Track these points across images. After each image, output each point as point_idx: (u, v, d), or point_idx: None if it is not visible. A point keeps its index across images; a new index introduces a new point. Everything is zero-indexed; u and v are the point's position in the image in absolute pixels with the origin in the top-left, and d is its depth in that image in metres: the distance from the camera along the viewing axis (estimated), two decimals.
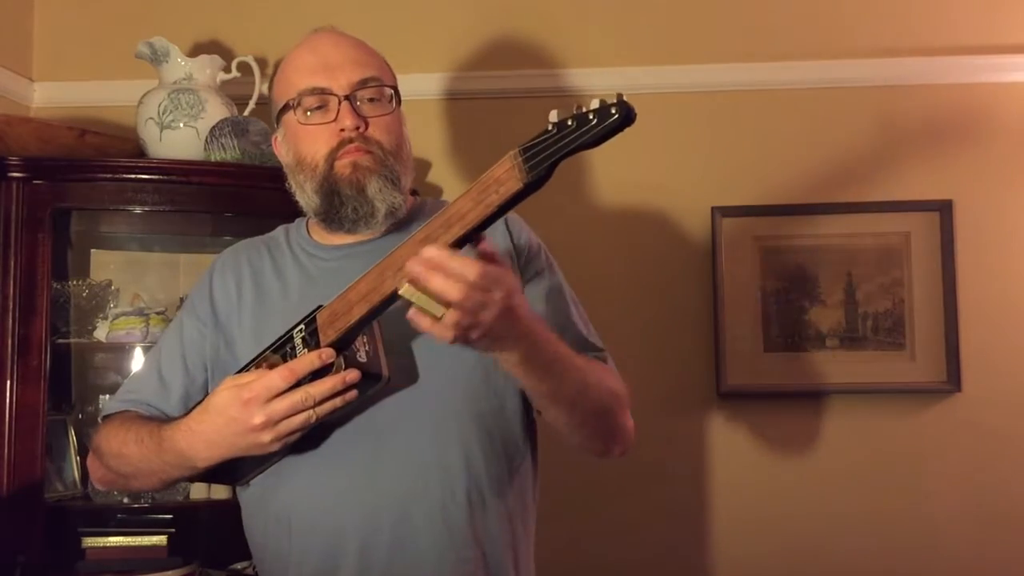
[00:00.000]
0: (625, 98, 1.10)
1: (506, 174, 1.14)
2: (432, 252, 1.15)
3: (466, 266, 1.14)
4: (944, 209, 2.48)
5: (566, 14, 2.60)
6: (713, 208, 2.52)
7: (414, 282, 1.15)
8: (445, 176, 2.55)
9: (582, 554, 2.46)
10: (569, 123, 1.11)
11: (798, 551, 2.47)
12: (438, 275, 1.14)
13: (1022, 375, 2.47)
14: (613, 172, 2.53)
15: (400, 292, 1.17)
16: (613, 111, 1.09)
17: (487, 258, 1.18)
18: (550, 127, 1.12)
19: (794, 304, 2.51)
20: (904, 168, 2.52)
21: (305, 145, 1.47)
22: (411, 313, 1.17)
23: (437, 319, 1.15)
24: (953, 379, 2.46)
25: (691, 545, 2.51)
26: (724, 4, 2.59)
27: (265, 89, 2.46)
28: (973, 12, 2.54)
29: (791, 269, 2.52)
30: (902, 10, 2.56)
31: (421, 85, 2.47)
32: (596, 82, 2.54)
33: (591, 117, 1.10)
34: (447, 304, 1.14)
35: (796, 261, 2.52)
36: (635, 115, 1.09)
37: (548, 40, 2.59)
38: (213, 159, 2.26)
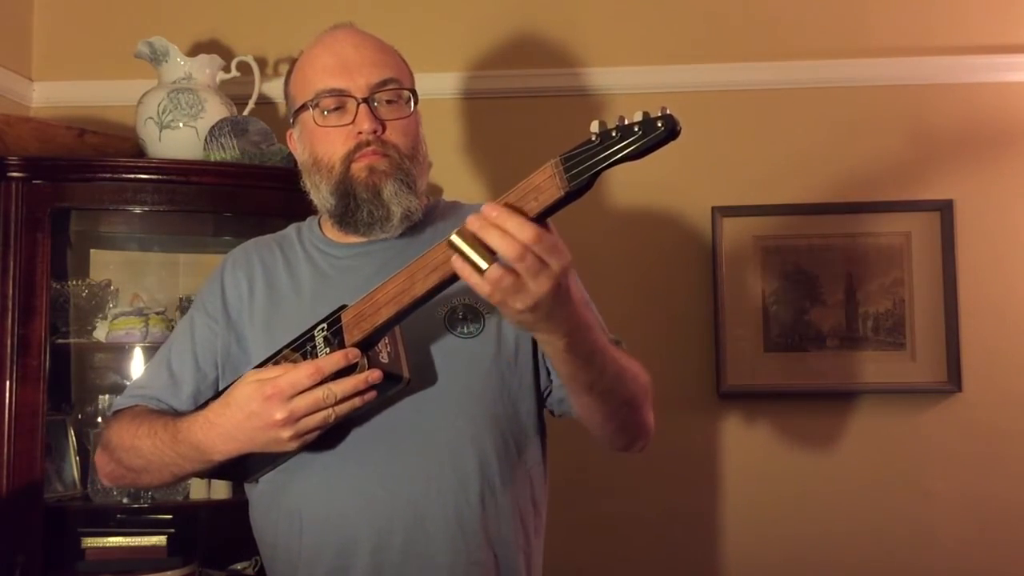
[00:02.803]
0: (670, 111, 1.08)
1: (546, 182, 1.12)
2: (493, 209, 1.12)
3: (524, 227, 1.11)
4: (944, 209, 2.48)
5: (566, 14, 2.59)
6: (713, 208, 2.52)
7: (463, 233, 1.13)
8: (446, 175, 2.54)
9: (581, 553, 2.45)
10: (613, 134, 1.09)
11: (798, 551, 2.47)
12: (495, 231, 1.11)
13: (1022, 375, 2.47)
14: (613, 172, 2.50)
15: (451, 239, 1.14)
16: (659, 124, 1.07)
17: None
18: (593, 137, 1.10)
19: (794, 304, 2.51)
20: (904, 168, 2.52)
21: (322, 146, 1.47)
22: (455, 260, 1.14)
23: (480, 272, 1.12)
24: (953, 379, 2.46)
25: (691, 545, 2.51)
26: (724, 4, 2.59)
27: (264, 89, 2.48)
28: (974, 12, 2.54)
29: (791, 269, 2.52)
30: (902, 10, 2.55)
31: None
32: (597, 82, 2.55)
33: (636, 129, 1.08)
34: (494, 260, 1.11)
35: (796, 261, 2.52)
36: (680, 129, 1.07)
37: (546, 40, 2.59)
38: (212, 159, 2.25)
